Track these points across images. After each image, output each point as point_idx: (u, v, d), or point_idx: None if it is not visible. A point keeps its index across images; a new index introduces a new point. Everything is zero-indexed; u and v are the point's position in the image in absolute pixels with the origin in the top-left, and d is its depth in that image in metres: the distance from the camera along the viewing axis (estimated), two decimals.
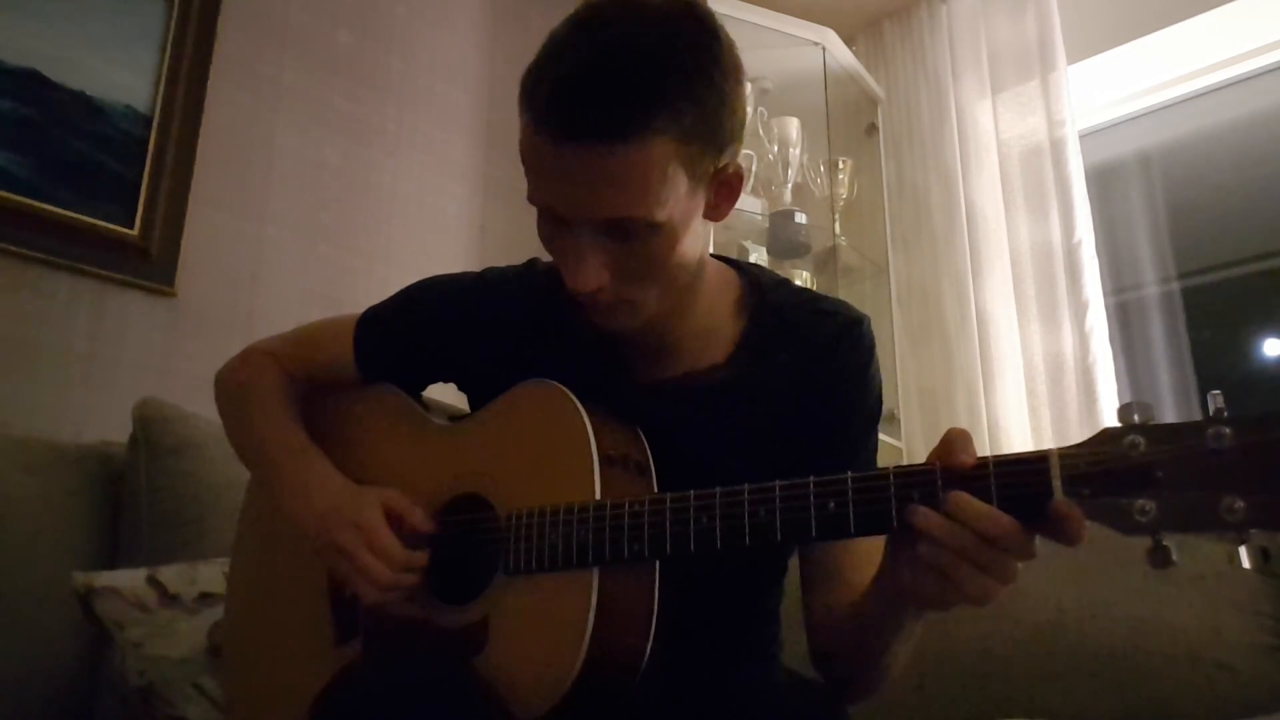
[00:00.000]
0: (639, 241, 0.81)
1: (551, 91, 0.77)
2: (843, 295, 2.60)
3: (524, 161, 0.82)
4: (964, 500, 0.67)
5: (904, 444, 2.58)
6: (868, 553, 0.92)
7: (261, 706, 1.04)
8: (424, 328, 1.05)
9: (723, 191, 0.87)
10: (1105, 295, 2.39)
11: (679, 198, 0.80)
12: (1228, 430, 0.59)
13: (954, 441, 0.69)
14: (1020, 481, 0.66)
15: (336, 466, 1.00)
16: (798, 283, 2.49)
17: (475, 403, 1.04)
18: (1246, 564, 0.59)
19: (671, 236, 0.82)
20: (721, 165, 0.84)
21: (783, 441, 0.90)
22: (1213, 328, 2.46)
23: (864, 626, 0.85)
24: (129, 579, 1.38)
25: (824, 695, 0.99)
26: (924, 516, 0.68)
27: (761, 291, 0.98)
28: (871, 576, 0.83)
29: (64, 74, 1.82)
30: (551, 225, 0.84)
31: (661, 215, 0.79)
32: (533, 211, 0.85)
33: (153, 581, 1.38)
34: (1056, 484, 0.65)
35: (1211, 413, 0.61)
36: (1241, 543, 0.59)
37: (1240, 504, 0.58)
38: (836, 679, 0.94)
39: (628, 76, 0.76)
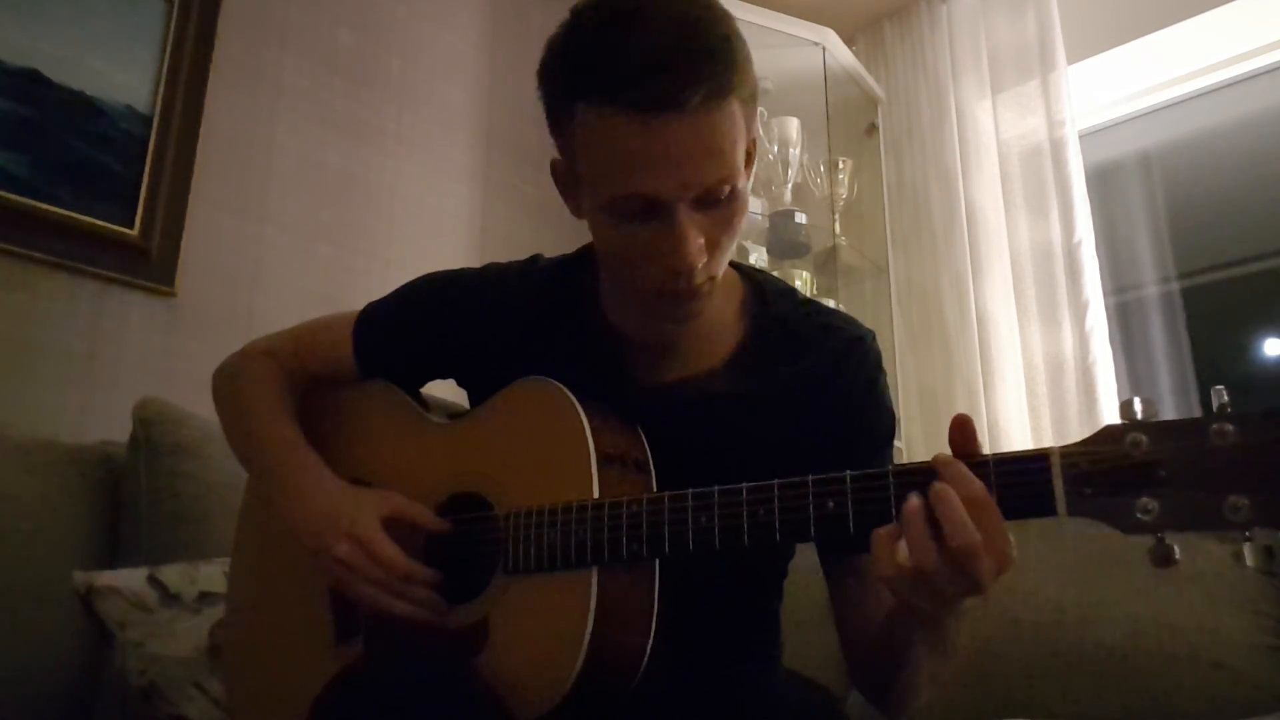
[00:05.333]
0: (726, 208, 0.82)
1: (639, 68, 0.75)
2: (843, 295, 2.61)
3: (602, 157, 0.79)
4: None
5: (904, 444, 2.58)
6: None
7: (263, 705, 1.04)
8: (424, 323, 1.04)
9: (748, 161, 0.88)
10: (1105, 295, 2.39)
11: (743, 161, 0.83)
12: (1231, 428, 0.59)
13: (963, 427, 0.69)
14: (1020, 481, 0.66)
15: (334, 465, 0.99)
16: (798, 284, 2.51)
17: (475, 398, 1.04)
18: (1250, 562, 0.58)
19: (745, 201, 0.85)
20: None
21: (784, 454, 0.89)
22: (1213, 328, 2.46)
23: (888, 638, 0.83)
24: (129, 578, 1.38)
25: (823, 695, 0.99)
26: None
27: (765, 299, 0.97)
28: None
29: (64, 74, 1.82)
30: (636, 218, 0.81)
31: (741, 180, 0.82)
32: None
33: (153, 581, 1.38)
34: (1057, 483, 0.64)
35: (1215, 409, 0.60)
36: (1245, 541, 0.58)
37: (1244, 502, 0.57)
38: (871, 694, 0.92)
39: (708, 43, 0.78)
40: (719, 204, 0.81)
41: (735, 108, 0.79)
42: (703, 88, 0.76)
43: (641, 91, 0.75)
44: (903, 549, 0.67)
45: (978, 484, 0.65)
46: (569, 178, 0.88)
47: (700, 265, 0.81)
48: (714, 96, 0.77)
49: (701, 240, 0.81)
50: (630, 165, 0.78)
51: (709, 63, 0.77)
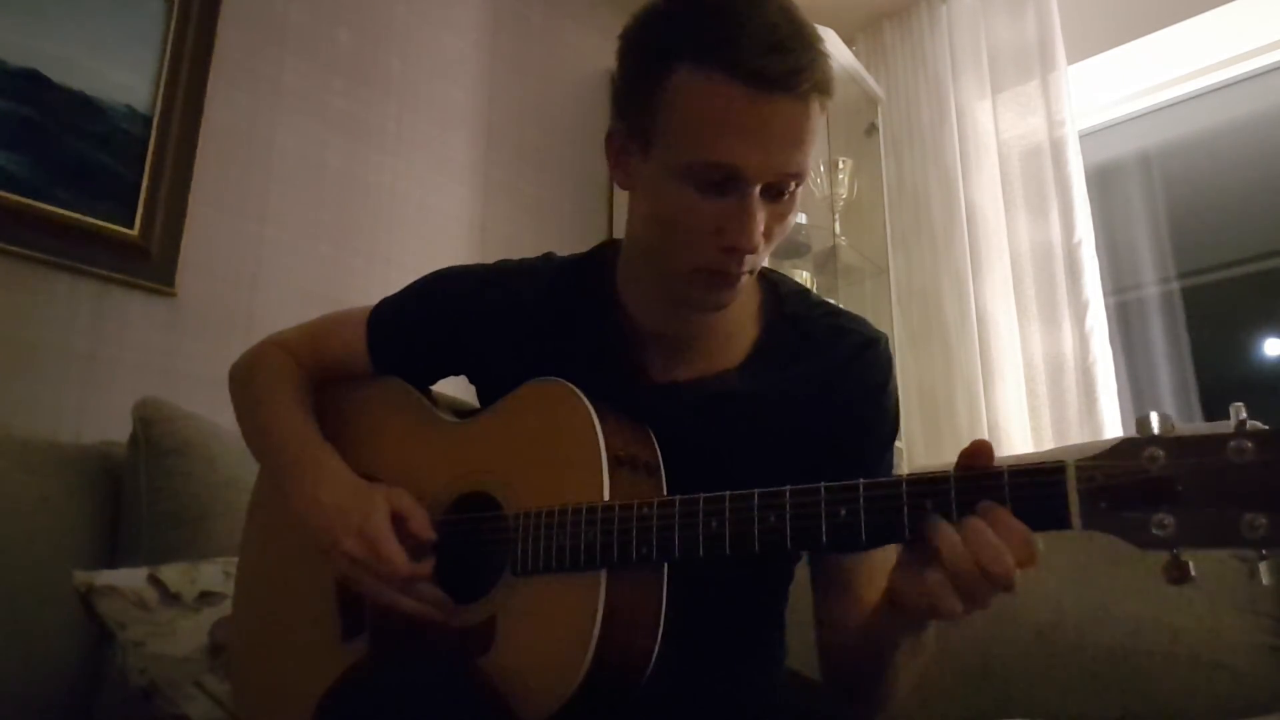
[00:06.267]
0: (785, 206, 0.84)
1: (764, 44, 0.77)
2: (843, 295, 2.61)
3: (699, 120, 0.80)
4: (980, 525, 0.66)
5: (903, 444, 2.58)
6: (881, 565, 0.91)
7: (268, 702, 1.04)
8: (437, 319, 1.04)
9: None
10: (1105, 295, 2.39)
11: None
12: (1250, 444, 0.57)
13: (980, 451, 0.69)
14: (1036, 494, 0.65)
15: (345, 461, 0.99)
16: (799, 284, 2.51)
17: (486, 395, 1.04)
18: (1266, 581, 0.57)
19: (796, 208, 0.86)
20: None
21: (793, 454, 0.90)
22: (1213, 328, 2.47)
23: (871, 641, 0.84)
24: (130, 578, 1.38)
25: (826, 697, 0.99)
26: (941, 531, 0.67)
27: (780, 300, 0.97)
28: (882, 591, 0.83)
29: (64, 74, 1.81)
30: (709, 189, 0.81)
31: (803, 183, 0.83)
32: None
33: (153, 580, 1.38)
34: (1073, 497, 0.63)
35: (1234, 425, 0.59)
36: (1262, 560, 0.57)
37: (1262, 520, 0.56)
38: (846, 695, 0.93)
39: (817, 40, 0.80)
40: (781, 199, 0.83)
41: (819, 111, 0.81)
42: (813, 77, 0.78)
43: (761, 66, 0.77)
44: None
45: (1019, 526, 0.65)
46: (630, 143, 0.87)
47: (756, 250, 0.83)
48: (817, 91, 0.79)
49: (763, 226, 0.82)
50: (726, 133, 0.79)
51: (821, 57, 0.79)
